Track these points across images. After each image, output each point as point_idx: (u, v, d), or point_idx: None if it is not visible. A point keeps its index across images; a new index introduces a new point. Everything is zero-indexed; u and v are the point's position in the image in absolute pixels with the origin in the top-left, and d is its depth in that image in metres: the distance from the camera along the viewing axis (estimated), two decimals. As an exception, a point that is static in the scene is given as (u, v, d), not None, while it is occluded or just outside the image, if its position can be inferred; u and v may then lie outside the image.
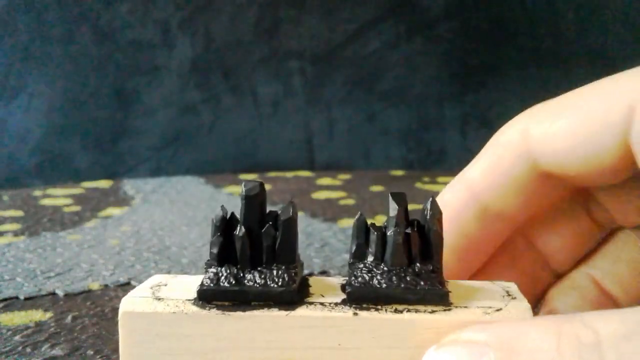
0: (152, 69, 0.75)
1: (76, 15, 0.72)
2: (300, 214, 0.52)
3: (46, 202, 0.55)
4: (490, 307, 0.17)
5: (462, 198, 0.21)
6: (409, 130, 0.80)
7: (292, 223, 0.18)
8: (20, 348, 0.23)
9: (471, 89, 0.79)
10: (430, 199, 0.18)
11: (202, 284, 0.18)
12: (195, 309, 0.18)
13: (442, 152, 0.80)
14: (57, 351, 0.22)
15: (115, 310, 0.27)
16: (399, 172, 0.77)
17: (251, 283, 0.18)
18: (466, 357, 0.15)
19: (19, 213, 0.50)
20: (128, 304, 0.18)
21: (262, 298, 0.18)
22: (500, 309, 0.17)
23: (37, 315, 0.26)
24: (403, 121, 0.80)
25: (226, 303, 0.18)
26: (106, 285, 0.31)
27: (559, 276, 0.22)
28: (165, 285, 0.19)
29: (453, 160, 0.80)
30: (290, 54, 0.79)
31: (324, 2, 0.79)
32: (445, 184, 0.24)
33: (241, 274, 0.18)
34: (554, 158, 0.19)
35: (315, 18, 0.79)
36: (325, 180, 0.67)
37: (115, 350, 0.23)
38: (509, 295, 0.18)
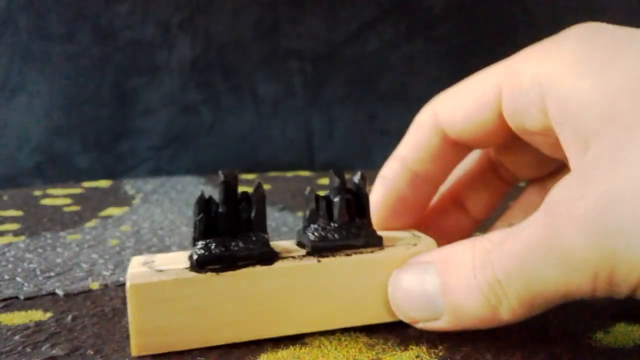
0: (152, 69, 0.75)
1: (76, 15, 0.72)
2: (300, 214, 0.53)
3: (46, 202, 0.55)
4: (409, 244, 0.24)
5: (396, 169, 0.27)
6: (409, 130, 0.80)
7: (263, 199, 0.23)
8: (20, 348, 0.23)
9: (471, 89, 0.79)
10: (359, 172, 0.25)
11: (197, 254, 0.22)
12: (193, 274, 0.22)
13: (442, 152, 0.80)
14: (57, 351, 0.22)
15: (115, 309, 0.27)
16: (399, 172, 0.76)
17: (237, 248, 0.23)
18: (419, 271, 0.22)
19: (19, 213, 0.50)
20: (135, 277, 0.22)
21: (247, 258, 0.23)
22: (416, 244, 0.24)
23: (37, 315, 0.26)
24: (403, 121, 0.80)
25: (217, 266, 0.22)
26: (106, 285, 0.30)
27: (478, 223, 0.30)
28: (153, 261, 0.23)
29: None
30: (290, 54, 0.79)
31: (324, 2, 0.79)
32: (444, 183, 0.28)
33: (228, 242, 0.22)
34: (454, 129, 0.25)
35: (315, 18, 0.79)
36: (325, 180, 0.67)
37: (116, 350, 0.23)
38: (417, 236, 0.25)
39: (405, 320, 0.23)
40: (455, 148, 0.26)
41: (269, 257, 0.23)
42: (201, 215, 0.23)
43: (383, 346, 0.23)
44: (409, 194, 0.27)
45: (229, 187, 0.23)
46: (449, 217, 0.30)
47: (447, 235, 0.29)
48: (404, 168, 0.27)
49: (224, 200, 0.23)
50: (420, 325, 0.23)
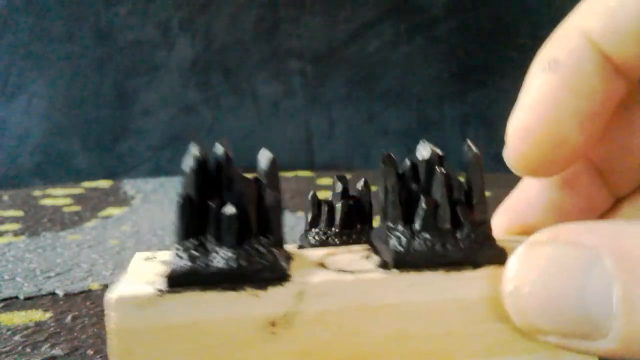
0: (152, 69, 0.75)
1: (76, 15, 0.72)
2: (300, 214, 0.52)
3: (46, 202, 0.55)
4: None
5: (579, 49, 0.17)
6: (409, 130, 0.80)
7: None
8: (20, 348, 0.23)
9: (471, 89, 0.79)
10: (363, 179, 0.24)
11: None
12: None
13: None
14: (57, 351, 0.22)
15: (115, 310, 0.27)
16: (399, 172, 0.76)
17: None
18: (576, 261, 0.13)
19: (19, 213, 0.50)
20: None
21: None
22: None
23: (37, 315, 0.26)
24: (403, 121, 0.80)
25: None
26: (106, 285, 0.30)
27: (618, 200, 0.19)
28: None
29: (453, 160, 0.80)
30: (290, 54, 0.79)
31: (324, 2, 0.79)
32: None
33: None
34: (621, 47, 0.17)
35: (315, 18, 0.79)
36: (325, 180, 0.67)
37: (116, 350, 0.23)
38: None
39: (537, 334, 0.14)
40: (616, 78, 0.17)
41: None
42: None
43: (383, 346, 0.23)
44: (597, 90, 0.16)
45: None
46: (575, 186, 0.20)
47: (566, 213, 0.19)
48: (591, 49, 0.16)
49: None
50: (562, 343, 0.14)
